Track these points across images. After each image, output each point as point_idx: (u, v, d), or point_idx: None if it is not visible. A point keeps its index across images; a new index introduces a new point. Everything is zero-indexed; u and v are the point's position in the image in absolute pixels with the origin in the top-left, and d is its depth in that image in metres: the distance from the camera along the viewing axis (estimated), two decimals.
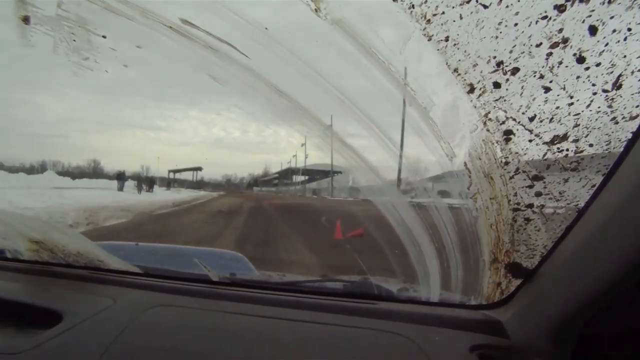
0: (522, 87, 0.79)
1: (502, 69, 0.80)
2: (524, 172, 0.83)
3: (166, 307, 0.88)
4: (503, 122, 0.84)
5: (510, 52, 0.78)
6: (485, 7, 0.76)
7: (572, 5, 0.68)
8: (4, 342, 0.74)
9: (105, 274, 1.06)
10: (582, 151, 0.75)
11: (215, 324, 0.83)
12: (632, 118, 0.67)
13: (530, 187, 0.82)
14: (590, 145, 0.74)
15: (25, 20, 0.89)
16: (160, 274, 1.08)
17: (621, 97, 0.68)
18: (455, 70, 0.85)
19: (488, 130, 0.86)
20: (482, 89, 0.84)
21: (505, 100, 0.83)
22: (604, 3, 0.65)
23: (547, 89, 0.77)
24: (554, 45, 0.73)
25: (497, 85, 0.82)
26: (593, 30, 0.67)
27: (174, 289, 0.98)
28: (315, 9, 0.89)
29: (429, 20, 0.82)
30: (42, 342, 0.71)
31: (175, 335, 0.78)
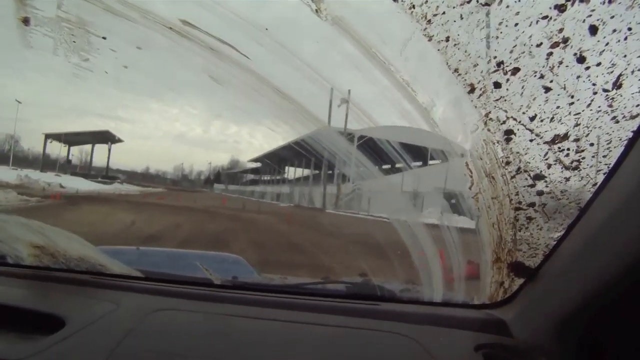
0: (522, 87, 0.80)
1: (503, 69, 0.80)
2: (525, 171, 0.83)
3: (169, 310, 0.88)
4: (504, 122, 0.84)
5: (511, 52, 0.78)
6: (487, 5, 0.76)
7: (572, 5, 0.69)
8: (7, 348, 0.74)
9: (107, 279, 1.05)
10: (583, 150, 0.75)
11: (218, 327, 0.83)
12: (633, 117, 0.67)
13: (532, 186, 0.82)
14: (591, 144, 0.74)
15: (25, 21, 0.88)
16: (162, 278, 1.08)
17: (621, 96, 0.69)
18: (456, 70, 0.85)
19: (489, 130, 0.86)
20: (482, 89, 0.84)
21: (505, 100, 0.83)
22: (604, 3, 0.65)
23: (547, 89, 0.77)
24: (555, 45, 0.73)
25: (497, 85, 0.82)
26: (593, 30, 0.68)
27: (176, 292, 0.98)
28: (315, 10, 0.89)
29: (429, 21, 0.82)
30: (45, 347, 0.70)
31: (178, 339, 0.77)
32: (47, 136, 29.52)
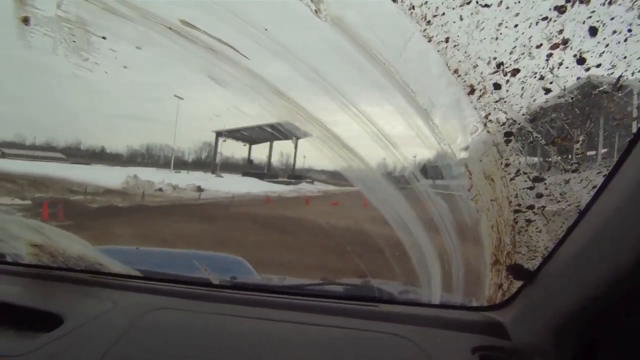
0: (522, 89, 0.79)
1: (503, 70, 0.80)
2: (524, 173, 0.83)
3: (166, 310, 0.88)
4: (503, 124, 0.84)
5: (511, 53, 0.78)
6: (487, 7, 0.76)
7: (572, 6, 0.68)
8: (6, 344, 0.74)
9: (106, 278, 1.05)
10: (582, 153, 0.75)
11: (216, 327, 0.83)
12: (633, 119, 0.67)
13: (531, 188, 0.82)
14: (591, 146, 0.74)
15: (25, 21, 0.89)
16: (160, 277, 1.08)
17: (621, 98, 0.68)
18: (456, 71, 0.85)
19: (488, 131, 0.86)
20: (482, 90, 0.84)
21: (505, 102, 0.82)
22: (604, 4, 0.65)
23: (547, 90, 0.77)
24: (555, 46, 0.73)
25: (497, 86, 0.82)
26: (593, 31, 0.67)
27: (174, 292, 0.98)
28: (315, 10, 0.89)
29: (429, 22, 0.82)
30: (43, 345, 0.71)
31: (176, 338, 0.77)
32: (218, 134, 25.39)
